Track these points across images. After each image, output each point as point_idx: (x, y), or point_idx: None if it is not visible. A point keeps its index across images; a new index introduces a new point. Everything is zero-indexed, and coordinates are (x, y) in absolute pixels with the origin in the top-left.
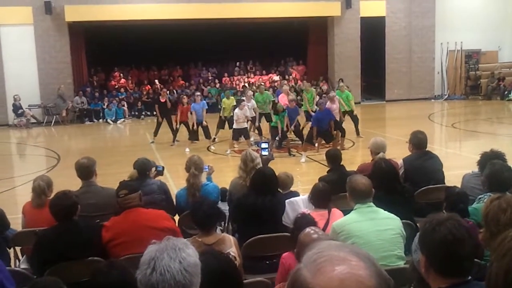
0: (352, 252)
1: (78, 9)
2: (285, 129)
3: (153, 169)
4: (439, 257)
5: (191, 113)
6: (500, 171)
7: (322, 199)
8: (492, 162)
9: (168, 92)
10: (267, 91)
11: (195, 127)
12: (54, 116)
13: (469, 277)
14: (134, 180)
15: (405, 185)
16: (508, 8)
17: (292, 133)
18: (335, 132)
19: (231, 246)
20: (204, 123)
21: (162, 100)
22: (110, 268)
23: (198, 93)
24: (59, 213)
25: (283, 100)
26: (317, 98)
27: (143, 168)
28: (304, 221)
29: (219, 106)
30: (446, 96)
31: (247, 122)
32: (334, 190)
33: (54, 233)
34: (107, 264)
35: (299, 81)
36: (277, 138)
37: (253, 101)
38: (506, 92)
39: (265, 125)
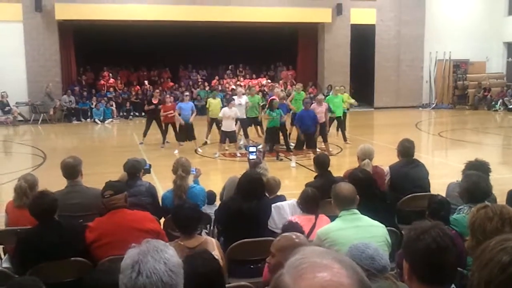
0: (335, 259)
1: (68, 7)
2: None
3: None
4: (423, 265)
5: (176, 113)
6: (478, 182)
7: (310, 205)
8: (468, 174)
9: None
10: (257, 95)
11: (182, 124)
12: (42, 114)
13: (452, 286)
14: (124, 182)
15: (385, 191)
16: (496, 20)
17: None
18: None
19: (213, 249)
20: (191, 120)
21: (155, 102)
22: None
23: (187, 93)
24: (38, 214)
25: None
26: None
27: (133, 170)
28: (292, 229)
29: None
30: (433, 105)
31: (235, 124)
32: (320, 196)
33: (36, 233)
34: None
35: (288, 86)
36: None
37: (245, 97)
38: (493, 103)
39: (252, 130)
